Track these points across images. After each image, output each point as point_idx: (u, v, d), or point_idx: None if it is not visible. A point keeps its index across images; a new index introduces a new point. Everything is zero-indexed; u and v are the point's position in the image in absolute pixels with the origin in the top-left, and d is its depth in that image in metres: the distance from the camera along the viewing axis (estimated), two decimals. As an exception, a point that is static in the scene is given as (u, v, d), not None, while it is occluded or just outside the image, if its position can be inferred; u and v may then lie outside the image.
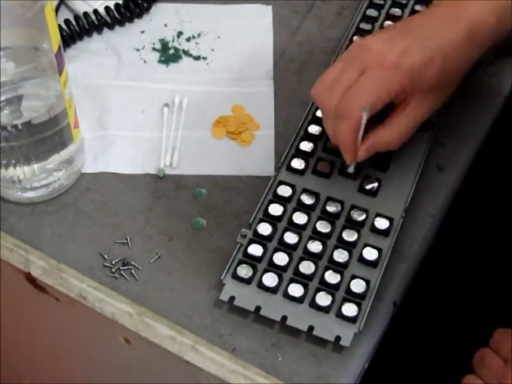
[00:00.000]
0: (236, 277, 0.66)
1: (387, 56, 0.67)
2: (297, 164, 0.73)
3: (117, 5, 0.86)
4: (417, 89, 0.68)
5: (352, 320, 0.65)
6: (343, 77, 0.68)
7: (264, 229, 0.69)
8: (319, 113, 0.76)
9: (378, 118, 0.69)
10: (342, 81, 0.68)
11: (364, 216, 0.70)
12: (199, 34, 0.86)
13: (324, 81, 0.69)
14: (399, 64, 0.67)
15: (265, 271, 0.67)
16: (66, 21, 0.84)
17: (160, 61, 0.84)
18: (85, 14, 0.84)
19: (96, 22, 0.85)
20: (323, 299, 0.65)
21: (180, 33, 0.86)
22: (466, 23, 0.69)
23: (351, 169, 0.71)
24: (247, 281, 0.66)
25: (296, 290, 0.66)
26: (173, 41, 0.85)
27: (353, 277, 0.67)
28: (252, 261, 0.67)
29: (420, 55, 0.67)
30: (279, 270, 0.67)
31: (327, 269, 0.67)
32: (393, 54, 0.67)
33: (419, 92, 0.69)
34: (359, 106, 0.65)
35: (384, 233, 0.69)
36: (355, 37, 0.83)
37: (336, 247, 0.68)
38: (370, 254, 0.68)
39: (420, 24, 0.70)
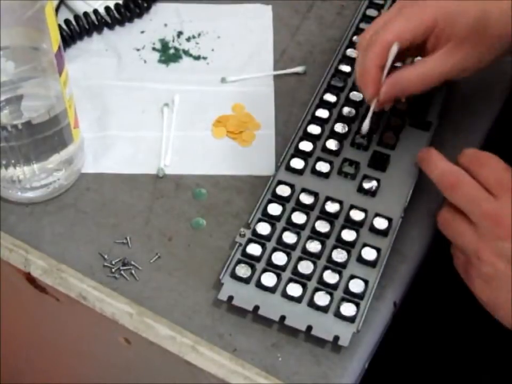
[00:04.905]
0: (234, 276, 0.66)
1: None
2: (296, 163, 0.73)
3: (117, 5, 0.86)
4: (450, 34, 0.68)
5: (351, 320, 0.65)
6: (381, 17, 0.71)
7: (263, 228, 0.69)
8: (318, 113, 0.76)
9: None
10: (379, 19, 0.70)
11: (362, 216, 0.70)
12: (199, 34, 0.86)
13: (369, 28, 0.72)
14: (434, 1, 0.67)
15: (264, 270, 0.67)
16: (66, 21, 0.84)
17: (160, 61, 0.84)
18: (85, 14, 0.84)
19: (96, 22, 0.85)
20: (321, 299, 0.65)
21: (180, 33, 0.86)
22: None
23: (365, 129, 0.71)
24: (246, 281, 0.66)
25: (294, 290, 0.66)
26: (173, 41, 0.85)
27: (352, 276, 0.66)
28: (250, 260, 0.67)
29: (457, 1, 0.68)
30: (277, 270, 0.67)
31: (325, 268, 0.67)
32: None
33: (452, 39, 0.68)
34: (387, 37, 0.67)
35: (383, 233, 0.69)
36: (355, 37, 0.82)
37: (335, 247, 0.68)
38: (369, 254, 0.68)
39: None
